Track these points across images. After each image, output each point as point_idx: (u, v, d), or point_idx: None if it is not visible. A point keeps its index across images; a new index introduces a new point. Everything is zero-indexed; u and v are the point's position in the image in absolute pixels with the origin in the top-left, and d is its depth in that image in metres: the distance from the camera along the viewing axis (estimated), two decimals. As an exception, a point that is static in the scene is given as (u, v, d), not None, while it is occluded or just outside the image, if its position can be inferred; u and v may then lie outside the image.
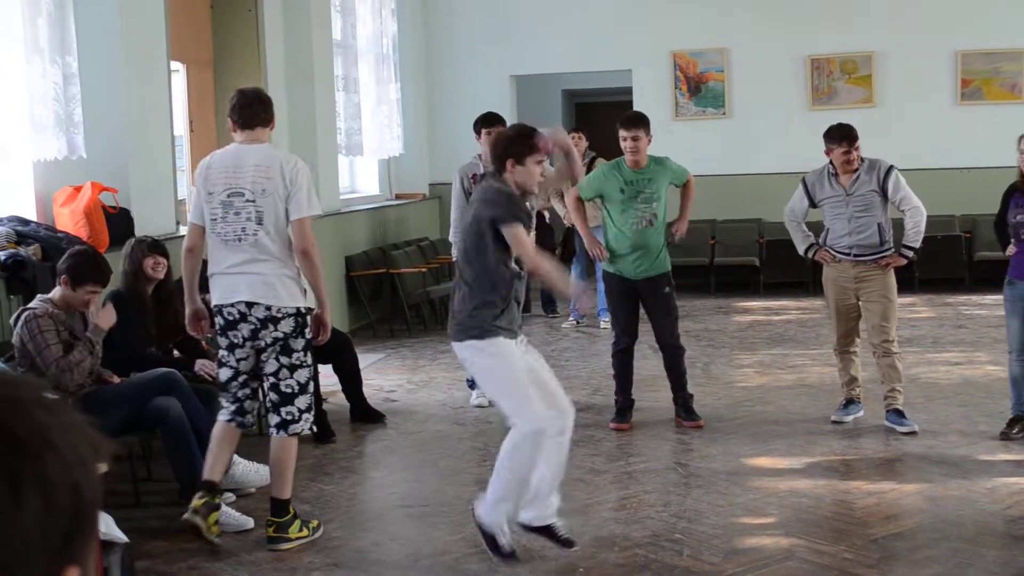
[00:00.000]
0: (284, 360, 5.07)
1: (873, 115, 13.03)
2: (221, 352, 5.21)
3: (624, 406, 7.15)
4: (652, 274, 7.01)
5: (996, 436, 6.50)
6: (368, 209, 12.31)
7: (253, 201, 5.02)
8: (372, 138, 12.41)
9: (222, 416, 5.24)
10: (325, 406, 7.20)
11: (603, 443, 6.78)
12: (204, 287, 5.35)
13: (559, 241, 11.13)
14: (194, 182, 5.31)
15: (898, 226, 6.81)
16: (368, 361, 9.32)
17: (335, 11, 11.42)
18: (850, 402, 7.04)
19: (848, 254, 6.82)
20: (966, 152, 13.08)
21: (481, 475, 5.90)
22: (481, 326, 4.67)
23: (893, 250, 6.83)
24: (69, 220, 6.80)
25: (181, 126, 9.12)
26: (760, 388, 8.14)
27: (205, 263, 5.28)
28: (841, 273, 6.87)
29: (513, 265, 4.72)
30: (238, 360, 5.13)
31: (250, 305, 5.02)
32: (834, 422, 6.97)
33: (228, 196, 5.05)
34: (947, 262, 12.69)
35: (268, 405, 5.16)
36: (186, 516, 5.06)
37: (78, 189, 6.93)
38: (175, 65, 8.82)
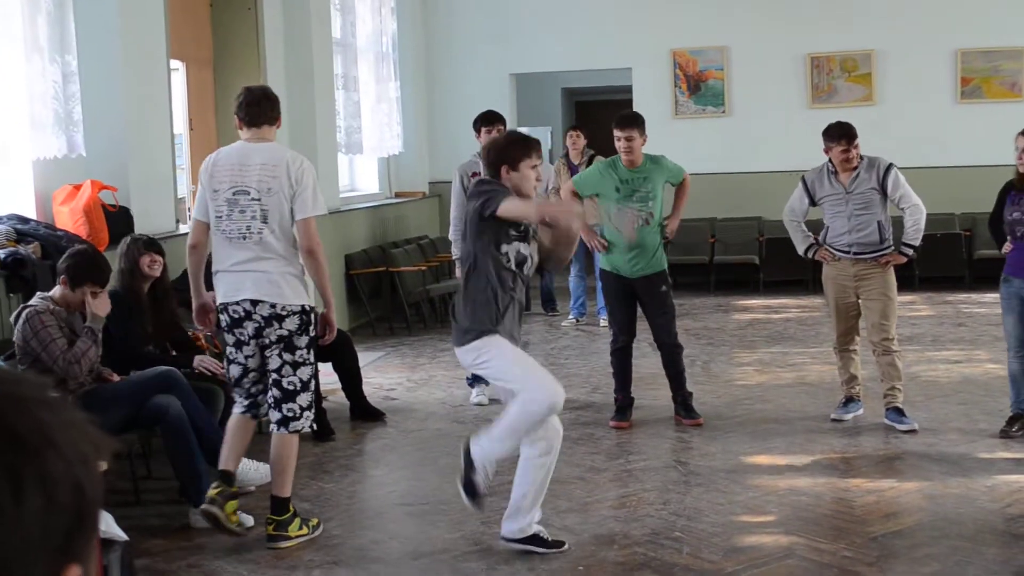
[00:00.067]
0: (287, 357, 5.08)
1: (873, 113, 13.04)
2: (228, 349, 5.24)
3: (624, 404, 7.15)
4: (649, 272, 7.01)
5: (996, 434, 6.50)
6: (368, 207, 12.32)
7: (258, 199, 5.03)
8: (372, 136, 12.42)
9: (236, 409, 5.31)
10: (325, 404, 7.20)
11: (603, 441, 6.78)
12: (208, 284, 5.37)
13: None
14: (198, 179, 5.31)
15: (897, 224, 6.81)
16: (368, 359, 9.32)
17: (335, 9, 11.42)
18: (850, 400, 7.04)
19: (848, 252, 6.82)
20: (966, 150, 13.09)
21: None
22: (479, 328, 4.70)
23: (893, 248, 6.83)
24: (69, 218, 6.80)
25: (181, 124, 9.12)
26: (760, 386, 8.14)
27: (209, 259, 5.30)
28: (841, 271, 6.87)
29: (513, 267, 4.74)
30: (246, 357, 5.17)
31: (255, 303, 5.04)
32: (834, 420, 6.98)
33: (233, 194, 5.06)
34: (947, 260, 12.70)
35: (270, 401, 5.17)
36: (204, 507, 5.10)
37: (78, 187, 6.93)
38: (175, 63, 8.82)
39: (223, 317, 5.16)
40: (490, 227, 4.68)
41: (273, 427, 5.21)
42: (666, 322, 7.06)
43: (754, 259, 13.18)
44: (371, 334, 10.87)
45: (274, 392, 5.14)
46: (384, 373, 9.08)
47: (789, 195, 7.10)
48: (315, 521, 5.28)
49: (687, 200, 7.35)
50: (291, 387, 5.11)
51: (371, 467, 6.65)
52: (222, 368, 5.96)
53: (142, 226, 7.31)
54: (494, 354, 4.71)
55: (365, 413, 7.48)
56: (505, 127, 7.84)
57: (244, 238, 5.04)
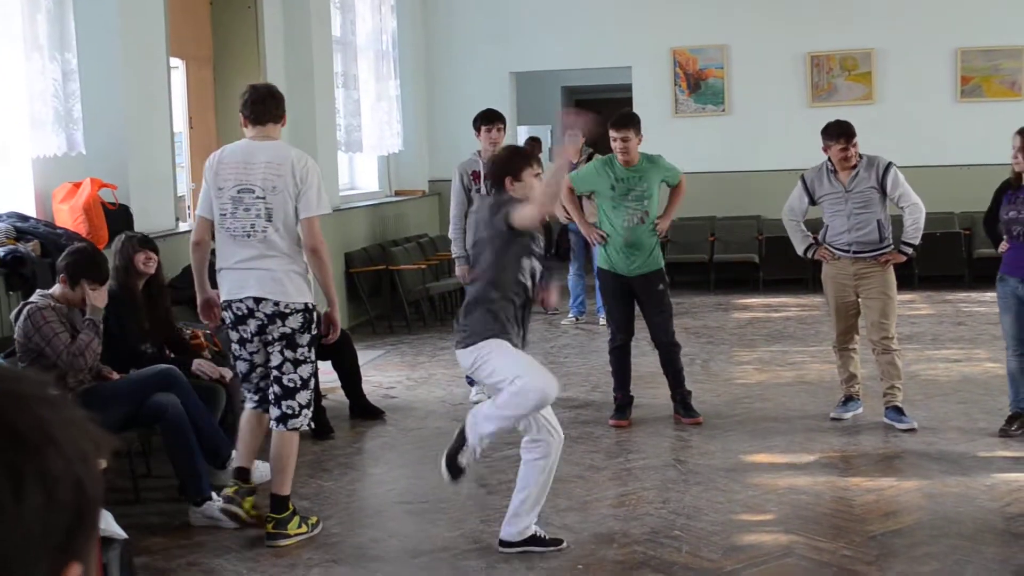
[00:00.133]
0: (288, 354, 5.10)
1: (873, 112, 13.04)
2: (233, 346, 5.27)
3: (623, 403, 7.16)
4: (645, 271, 7.02)
5: (995, 433, 6.50)
6: (367, 206, 12.32)
7: (263, 198, 5.04)
8: (371, 135, 12.41)
9: (248, 405, 5.35)
10: (324, 403, 7.21)
11: (602, 440, 6.78)
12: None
13: (554, 241, 11.12)
14: (200, 176, 5.33)
15: (897, 223, 6.81)
16: (367, 358, 9.32)
17: (334, 8, 11.41)
18: (849, 399, 7.05)
19: (847, 251, 6.82)
20: (965, 149, 13.09)
21: (480, 471, 5.90)
22: (481, 332, 4.71)
23: (892, 247, 6.83)
24: (68, 216, 6.80)
25: (180, 122, 9.12)
26: (759, 385, 8.15)
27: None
28: (840, 270, 6.88)
29: (527, 280, 4.78)
30: (251, 353, 5.21)
31: (258, 300, 5.06)
32: (833, 419, 6.98)
33: (238, 192, 5.06)
34: (946, 259, 12.70)
35: (271, 398, 5.18)
36: (223, 506, 5.17)
37: (77, 185, 6.93)
38: (174, 61, 8.82)
39: (227, 314, 5.18)
40: (519, 243, 4.73)
41: (273, 424, 5.22)
42: (663, 321, 7.06)
43: (754, 258, 13.19)
44: (371, 332, 10.88)
45: (274, 389, 5.16)
46: (384, 371, 9.08)
47: (789, 194, 7.10)
48: (314, 519, 5.29)
49: (681, 202, 7.33)
50: (291, 384, 5.12)
51: (370, 465, 6.65)
52: (220, 372, 5.95)
53: (142, 224, 7.31)
54: (493, 355, 4.71)
55: (364, 411, 7.48)
56: (505, 126, 7.84)
57: (248, 236, 5.05)
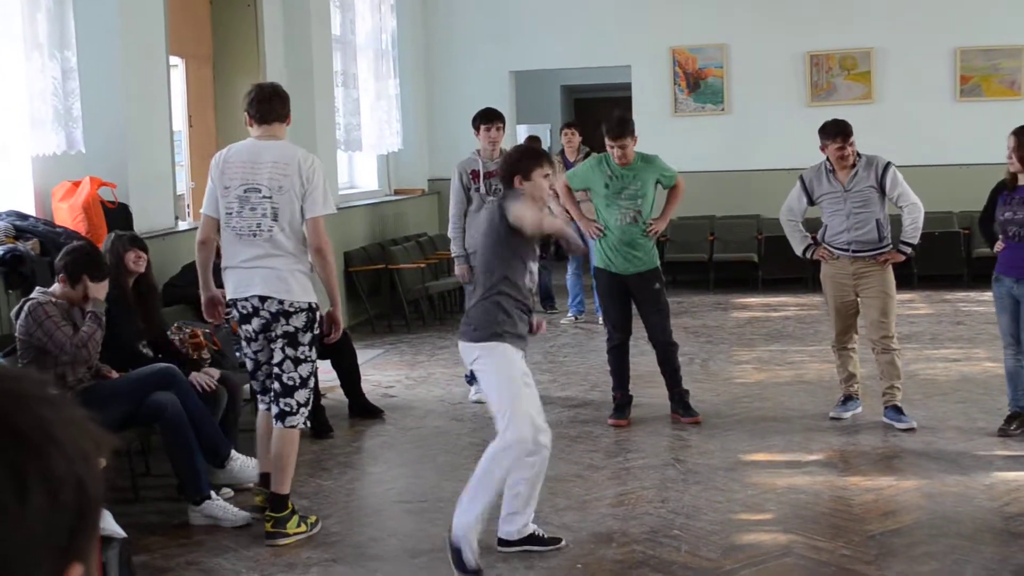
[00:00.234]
0: (290, 352, 5.11)
1: (872, 111, 13.05)
2: (242, 343, 5.30)
3: (622, 402, 7.16)
4: (641, 269, 7.02)
5: (994, 432, 6.51)
6: (367, 205, 12.32)
7: (270, 197, 5.06)
8: (371, 134, 12.41)
9: (262, 407, 5.37)
10: (324, 402, 7.21)
11: (601, 439, 6.79)
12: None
13: (553, 241, 11.12)
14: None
15: (896, 223, 6.81)
16: (367, 357, 9.32)
17: (334, 6, 11.41)
18: (848, 398, 7.05)
19: (846, 250, 6.82)
20: (965, 149, 13.09)
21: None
22: (491, 329, 4.68)
23: (891, 246, 6.83)
24: (68, 215, 6.80)
25: (180, 121, 9.12)
26: (758, 384, 8.15)
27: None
28: (839, 270, 6.88)
29: (527, 281, 4.77)
30: (255, 352, 5.24)
31: (263, 299, 5.08)
32: (832, 418, 6.98)
33: (244, 191, 5.08)
34: (945, 258, 12.71)
35: (271, 396, 5.20)
36: (259, 516, 5.25)
37: (77, 184, 6.93)
38: (174, 60, 8.82)
39: (232, 312, 5.22)
40: (526, 246, 4.72)
41: (273, 421, 5.23)
42: (660, 320, 7.07)
43: (753, 257, 13.19)
44: (370, 331, 10.88)
45: (274, 386, 5.17)
46: (383, 370, 9.08)
47: (788, 193, 7.09)
48: (313, 518, 5.29)
49: (678, 204, 7.33)
50: (291, 382, 5.14)
51: (370, 464, 6.65)
52: (214, 383, 5.94)
53: (141, 223, 7.31)
54: (493, 368, 4.67)
55: (364, 410, 7.48)
56: (504, 125, 7.84)
57: (254, 235, 5.07)
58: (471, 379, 7.76)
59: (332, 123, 11.12)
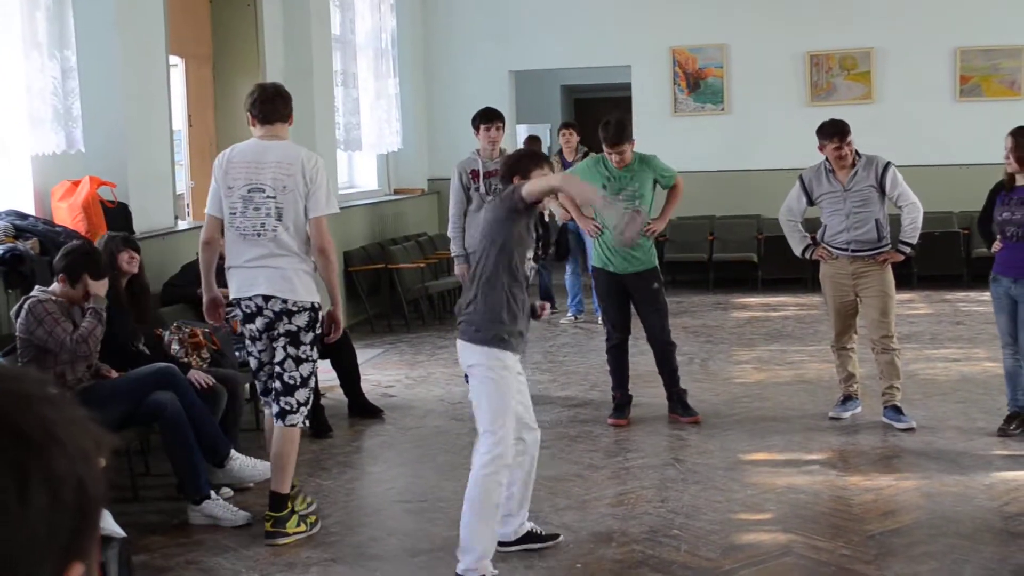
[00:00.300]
0: (291, 351, 5.12)
1: (872, 111, 13.05)
2: (246, 342, 5.30)
3: (622, 402, 7.16)
4: (640, 269, 7.03)
5: (994, 432, 6.51)
6: (366, 204, 12.32)
7: (274, 197, 5.07)
8: (371, 133, 12.41)
9: (267, 411, 5.36)
10: (323, 401, 7.20)
11: (601, 439, 6.78)
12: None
13: (553, 241, 11.12)
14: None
15: (895, 222, 6.81)
16: (366, 356, 9.32)
17: (334, 6, 11.41)
18: (848, 398, 7.05)
19: (846, 249, 6.82)
20: (965, 149, 13.08)
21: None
22: (494, 332, 4.64)
23: (890, 246, 6.83)
24: (67, 214, 6.80)
25: (180, 121, 9.12)
26: (758, 384, 8.15)
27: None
28: (839, 270, 6.88)
29: (526, 271, 4.75)
30: (259, 352, 5.23)
31: (267, 298, 5.09)
32: (832, 418, 6.98)
33: (248, 191, 5.08)
34: (945, 258, 12.71)
35: (271, 394, 5.20)
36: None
37: (76, 183, 6.92)
38: (174, 60, 8.81)
39: (236, 312, 5.22)
40: (522, 245, 4.69)
41: (274, 419, 5.23)
42: (659, 319, 7.07)
43: (752, 257, 13.19)
44: (369, 331, 10.88)
45: (275, 385, 5.18)
46: (382, 370, 9.08)
47: (788, 193, 7.09)
48: (313, 518, 5.29)
49: (677, 205, 7.32)
50: (291, 381, 5.15)
51: (369, 464, 6.65)
52: (211, 381, 5.94)
53: (140, 222, 7.31)
54: (491, 383, 4.62)
55: (363, 410, 7.48)
56: (504, 124, 7.83)
57: (259, 235, 5.08)
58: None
59: (332, 122, 11.12)
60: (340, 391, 7.56)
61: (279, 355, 5.14)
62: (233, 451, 5.79)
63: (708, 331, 10.46)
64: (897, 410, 6.77)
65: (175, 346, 6.21)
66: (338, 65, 11.45)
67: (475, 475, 4.59)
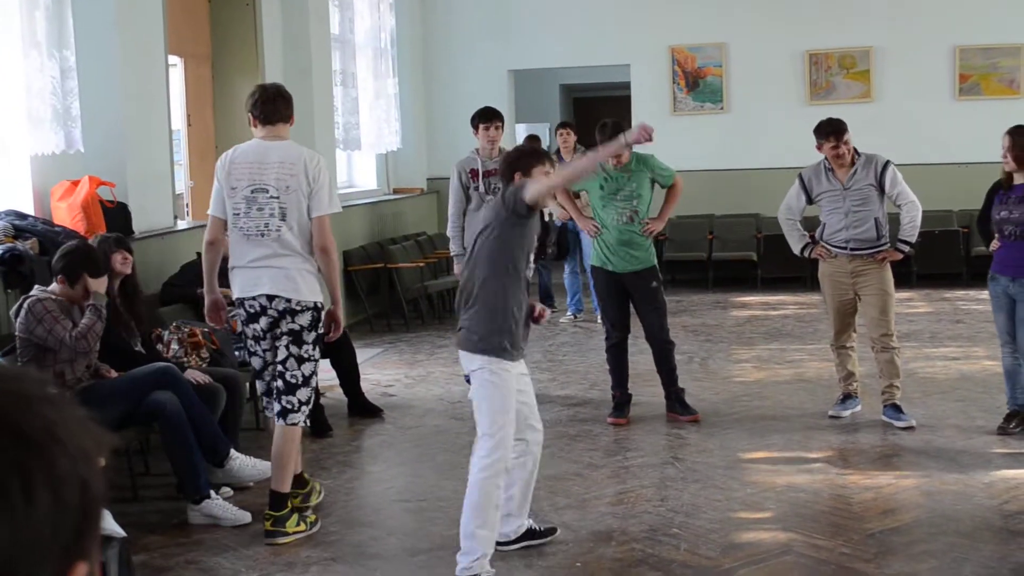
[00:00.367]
0: (294, 350, 5.13)
1: (871, 110, 13.06)
2: (248, 342, 5.30)
3: (621, 401, 7.16)
4: (639, 268, 7.03)
5: (993, 431, 6.51)
6: (366, 204, 12.31)
7: (277, 197, 5.08)
8: (370, 132, 12.41)
9: (270, 413, 5.36)
10: (323, 401, 7.20)
11: (600, 438, 6.79)
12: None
13: (552, 241, 11.13)
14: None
15: (894, 221, 6.81)
16: (366, 356, 9.32)
17: (333, 5, 11.41)
18: (847, 397, 7.05)
19: (845, 248, 6.82)
20: (964, 147, 13.09)
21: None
22: (494, 341, 4.62)
23: (889, 245, 6.84)
24: (67, 214, 6.80)
25: (179, 120, 9.11)
26: (758, 383, 8.15)
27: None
28: (838, 268, 6.88)
29: (527, 273, 4.75)
30: (264, 351, 5.24)
31: (271, 298, 5.09)
32: (831, 417, 6.98)
33: (252, 192, 5.09)
34: (945, 257, 12.71)
35: (273, 393, 5.21)
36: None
37: (76, 183, 6.92)
38: (173, 59, 8.81)
39: (239, 312, 5.20)
40: (524, 247, 4.68)
41: (274, 418, 5.23)
42: (657, 318, 7.07)
43: (752, 256, 13.19)
44: (369, 330, 10.87)
45: (277, 383, 5.18)
46: (382, 369, 9.08)
47: (787, 191, 7.09)
48: (313, 517, 5.29)
49: (676, 204, 7.32)
50: (294, 380, 5.15)
51: (369, 463, 6.65)
52: (208, 379, 5.94)
53: (140, 222, 7.32)
54: (494, 388, 4.61)
55: (363, 409, 7.48)
56: (503, 124, 7.83)
57: (262, 235, 5.08)
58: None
59: (331, 122, 11.12)
60: (340, 390, 7.56)
61: (281, 354, 5.15)
62: (233, 451, 5.79)
63: (707, 330, 10.47)
64: (897, 408, 6.77)
65: (175, 346, 6.21)
66: (337, 65, 11.45)
67: (473, 478, 4.59)
